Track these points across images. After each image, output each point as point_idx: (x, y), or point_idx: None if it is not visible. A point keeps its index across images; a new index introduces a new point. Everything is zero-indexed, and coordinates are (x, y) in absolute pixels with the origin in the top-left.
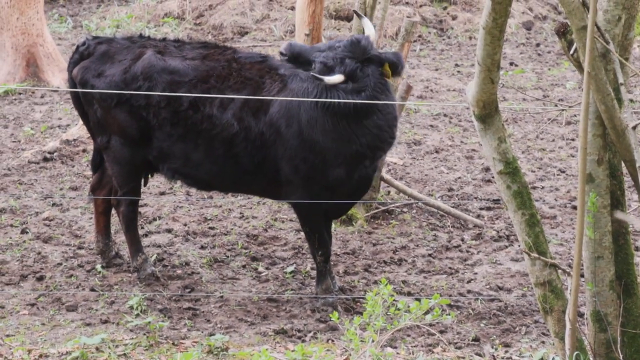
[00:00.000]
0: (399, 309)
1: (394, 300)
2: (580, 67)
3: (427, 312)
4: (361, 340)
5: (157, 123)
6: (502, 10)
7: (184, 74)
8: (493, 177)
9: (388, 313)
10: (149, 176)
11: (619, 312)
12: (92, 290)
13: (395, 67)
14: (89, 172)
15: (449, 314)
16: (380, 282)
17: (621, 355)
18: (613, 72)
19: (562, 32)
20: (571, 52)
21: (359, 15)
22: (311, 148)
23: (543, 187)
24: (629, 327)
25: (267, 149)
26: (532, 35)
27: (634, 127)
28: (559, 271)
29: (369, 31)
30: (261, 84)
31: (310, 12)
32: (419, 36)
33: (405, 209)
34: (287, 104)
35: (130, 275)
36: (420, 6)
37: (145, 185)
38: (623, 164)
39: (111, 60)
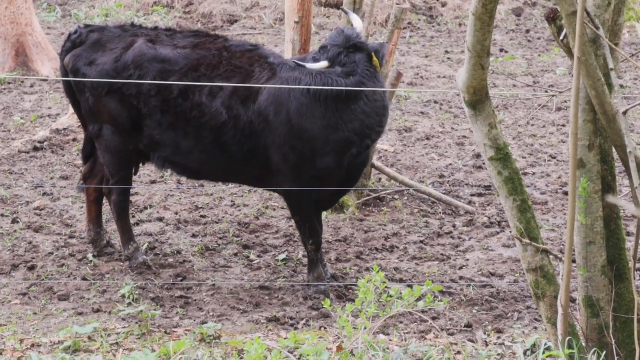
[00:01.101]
0: (391, 296)
1: (386, 287)
2: (570, 53)
3: (419, 299)
4: (354, 328)
5: (147, 112)
6: None
7: (174, 62)
8: (484, 164)
9: (380, 300)
10: (141, 165)
11: (611, 298)
12: (84, 279)
13: (377, 56)
14: (80, 162)
15: (441, 301)
16: (372, 269)
17: (613, 340)
18: (603, 57)
19: (552, 18)
20: (561, 38)
21: (345, 12)
22: (300, 136)
23: (534, 173)
24: (621, 312)
25: (257, 137)
26: (522, 22)
27: (625, 113)
28: (551, 257)
29: (357, 24)
30: (250, 72)
31: (299, 0)
32: (409, 23)
33: (396, 196)
34: (276, 92)
35: (122, 264)
36: None
37: (136, 174)
38: (614, 150)
39: (103, 48)
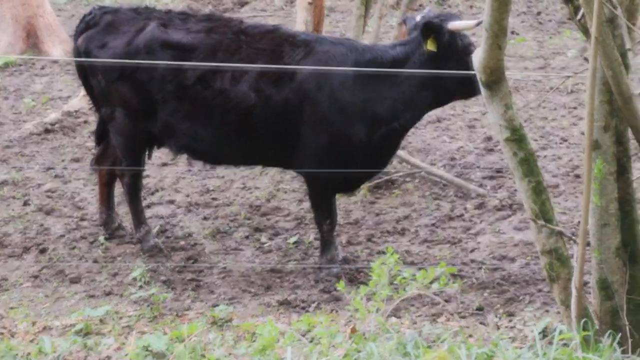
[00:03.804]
0: (405, 278)
1: (399, 269)
2: (587, 33)
3: (432, 281)
4: (367, 310)
5: (161, 98)
6: None
7: (188, 48)
8: (495, 147)
9: (394, 282)
10: (155, 148)
11: (625, 280)
12: (95, 262)
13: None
14: (91, 144)
15: (455, 283)
16: (385, 251)
17: (627, 323)
18: (620, 37)
19: None
20: (578, 17)
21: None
22: (340, 109)
23: (545, 156)
24: (635, 294)
25: (290, 116)
26: (532, 4)
27: None
28: (565, 239)
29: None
30: (279, 52)
31: None
32: (420, 5)
33: (408, 179)
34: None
35: (133, 246)
36: None
37: (149, 158)
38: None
39: (115, 31)
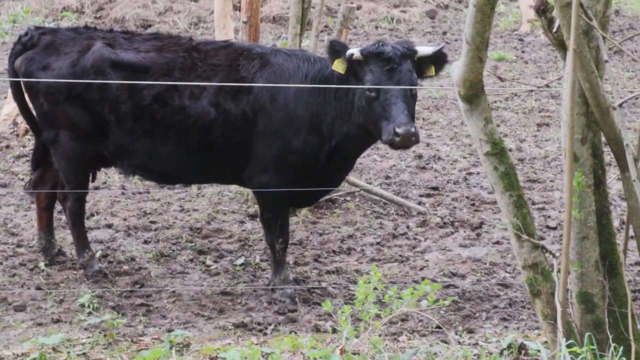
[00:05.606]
0: (391, 296)
1: (384, 286)
2: (561, 45)
3: (421, 299)
4: (355, 329)
5: (115, 118)
6: None
7: (140, 68)
8: (427, 164)
9: (382, 300)
10: (97, 171)
11: (605, 293)
12: (39, 289)
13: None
14: (16, 168)
15: (445, 299)
16: (333, 271)
17: (610, 335)
18: (595, 49)
19: (542, 10)
20: (554, 30)
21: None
22: (292, 122)
23: (478, 173)
24: (615, 307)
25: (247, 128)
26: (436, 24)
27: (620, 105)
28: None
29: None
30: (235, 66)
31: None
32: (326, 26)
33: (348, 198)
34: (274, 79)
35: (75, 272)
36: None
37: (93, 180)
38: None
39: (57, 52)
